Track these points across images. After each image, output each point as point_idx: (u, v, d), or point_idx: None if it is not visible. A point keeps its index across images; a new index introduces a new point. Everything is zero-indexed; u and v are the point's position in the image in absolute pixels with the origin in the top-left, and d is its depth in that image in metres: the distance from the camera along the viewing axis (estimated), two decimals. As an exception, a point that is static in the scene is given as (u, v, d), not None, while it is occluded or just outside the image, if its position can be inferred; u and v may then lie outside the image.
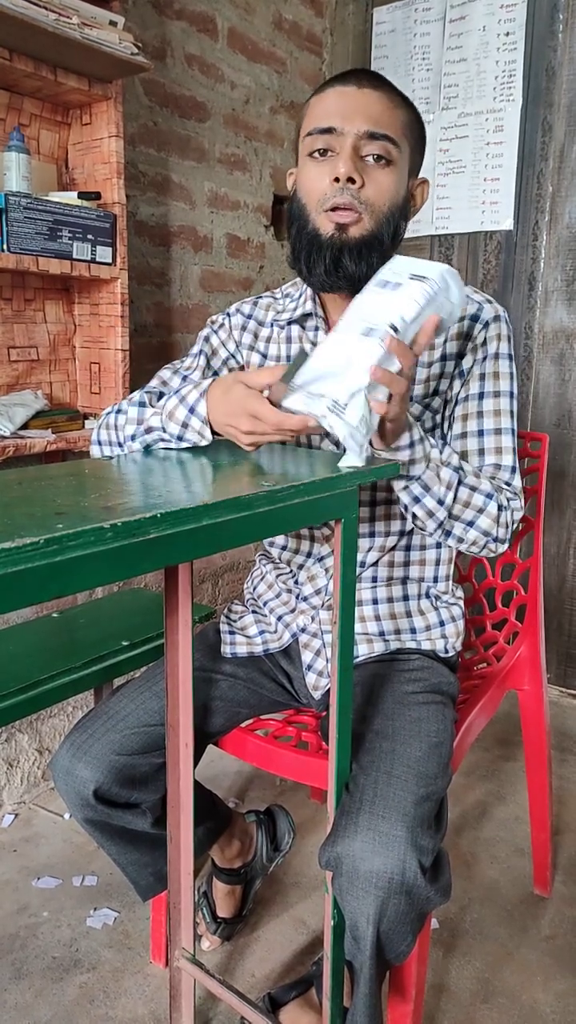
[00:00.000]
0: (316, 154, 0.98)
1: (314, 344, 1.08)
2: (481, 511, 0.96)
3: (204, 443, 0.93)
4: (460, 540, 0.99)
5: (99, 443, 1.05)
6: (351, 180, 0.95)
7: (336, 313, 1.08)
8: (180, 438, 0.94)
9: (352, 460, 0.81)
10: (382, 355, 0.79)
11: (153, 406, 0.99)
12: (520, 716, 1.41)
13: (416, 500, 0.94)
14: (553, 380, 2.16)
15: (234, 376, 0.89)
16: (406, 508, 0.97)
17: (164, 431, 0.95)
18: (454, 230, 2.26)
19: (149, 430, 0.96)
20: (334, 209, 0.96)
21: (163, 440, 0.96)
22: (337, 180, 0.95)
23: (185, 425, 0.93)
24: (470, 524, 0.97)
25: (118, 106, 1.56)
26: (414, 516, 0.97)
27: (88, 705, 1.86)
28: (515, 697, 1.41)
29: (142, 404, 1.01)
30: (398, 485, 0.94)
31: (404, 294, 0.83)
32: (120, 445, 1.01)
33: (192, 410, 0.92)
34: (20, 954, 1.31)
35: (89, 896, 1.45)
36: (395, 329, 0.80)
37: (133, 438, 0.99)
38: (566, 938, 1.36)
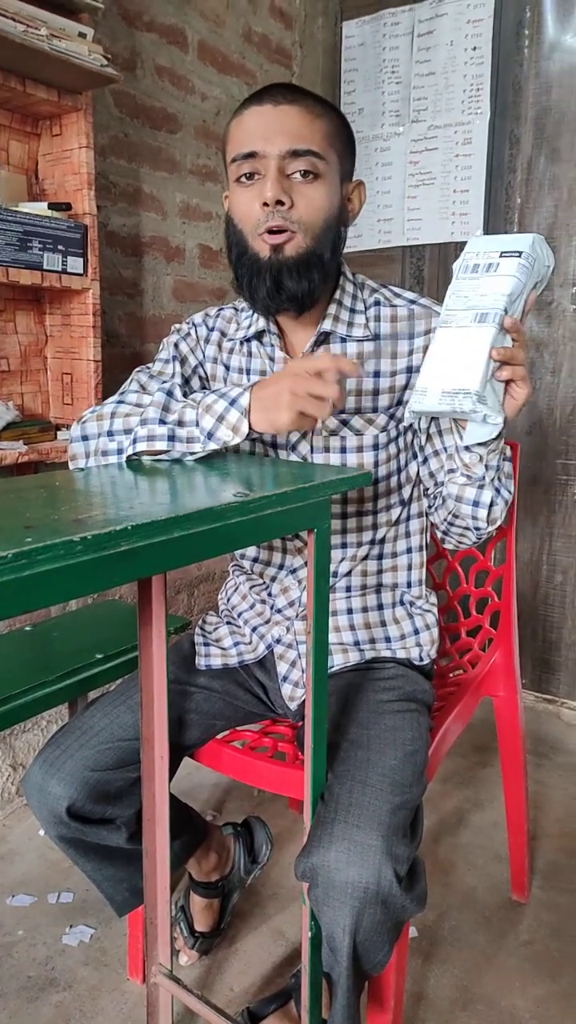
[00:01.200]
0: (243, 179, 0.98)
1: (272, 360, 1.08)
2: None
3: (235, 441, 0.89)
4: (506, 502, 1.04)
5: (84, 438, 0.98)
6: (280, 203, 0.95)
7: (290, 328, 1.07)
8: (210, 435, 0.90)
9: (484, 434, 0.89)
10: (496, 335, 0.85)
11: (179, 399, 0.96)
12: (496, 722, 1.42)
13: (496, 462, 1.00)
14: (524, 388, 2.19)
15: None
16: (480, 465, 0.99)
17: (197, 425, 0.91)
18: (425, 240, 2.28)
19: (181, 423, 0.92)
20: (269, 232, 0.96)
21: (188, 441, 0.91)
22: (266, 204, 0.95)
23: (221, 419, 0.90)
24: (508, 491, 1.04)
25: (88, 117, 1.55)
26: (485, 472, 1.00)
27: (63, 718, 1.84)
28: (491, 703, 1.42)
29: (170, 393, 0.96)
30: (483, 451, 0.97)
31: (503, 273, 0.87)
32: (110, 435, 0.95)
33: (233, 402, 0.90)
34: (-6, 975, 1.29)
35: (65, 913, 1.43)
36: (505, 311, 0.86)
37: (144, 424, 0.93)
38: (544, 943, 1.37)
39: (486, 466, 0.97)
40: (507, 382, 0.89)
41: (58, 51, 1.36)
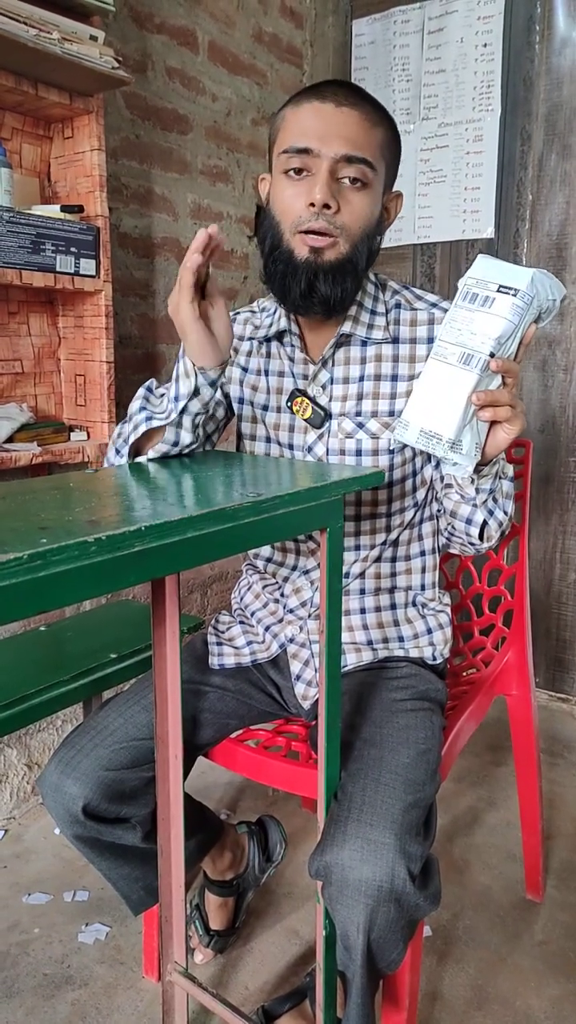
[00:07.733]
0: (292, 173, 0.96)
1: (292, 360, 1.08)
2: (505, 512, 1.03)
3: (191, 383, 0.92)
4: (499, 523, 1.02)
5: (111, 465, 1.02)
6: (327, 206, 0.94)
7: (310, 329, 1.07)
8: (176, 397, 0.93)
9: (460, 471, 0.89)
10: (479, 380, 0.84)
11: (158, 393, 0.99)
12: (509, 721, 1.41)
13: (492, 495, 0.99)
14: (536, 386, 2.18)
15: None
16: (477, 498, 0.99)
17: (176, 400, 0.93)
18: (436, 239, 2.27)
19: (162, 412, 0.95)
20: (308, 232, 0.95)
21: (166, 415, 0.94)
22: (312, 204, 0.94)
23: (177, 377, 0.93)
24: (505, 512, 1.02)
25: (100, 120, 1.56)
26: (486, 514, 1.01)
27: (77, 718, 1.85)
28: (504, 702, 1.41)
29: (148, 388, 1.00)
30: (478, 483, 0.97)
31: (496, 312, 0.84)
32: (118, 452, 0.99)
33: (182, 355, 0.93)
34: (11, 972, 1.30)
35: (80, 911, 1.44)
36: (492, 355, 0.83)
37: (149, 419, 0.96)
38: (559, 943, 1.36)
39: (477, 489, 0.97)
40: (492, 422, 0.88)
41: (70, 54, 1.37)
